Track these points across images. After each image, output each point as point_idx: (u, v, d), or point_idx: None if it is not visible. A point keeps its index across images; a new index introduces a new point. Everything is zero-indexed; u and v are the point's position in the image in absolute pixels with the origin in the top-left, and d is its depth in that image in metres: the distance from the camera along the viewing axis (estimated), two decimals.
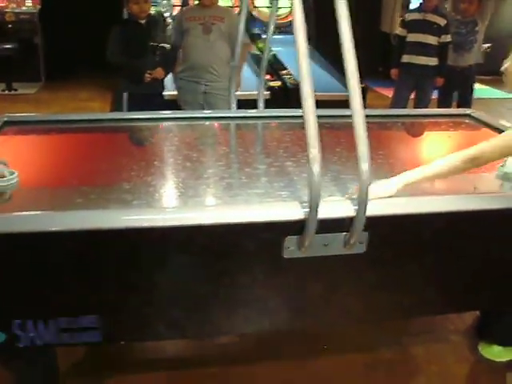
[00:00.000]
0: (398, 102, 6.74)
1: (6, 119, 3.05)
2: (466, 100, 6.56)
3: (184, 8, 5.72)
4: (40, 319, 2.10)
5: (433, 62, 6.38)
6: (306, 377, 2.86)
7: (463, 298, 2.58)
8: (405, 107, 6.60)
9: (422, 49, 6.37)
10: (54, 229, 1.94)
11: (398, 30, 6.73)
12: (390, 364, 2.99)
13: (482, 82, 7.96)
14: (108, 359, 2.91)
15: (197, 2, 5.26)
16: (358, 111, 1.99)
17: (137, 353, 3.01)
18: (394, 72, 6.73)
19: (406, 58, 6.51)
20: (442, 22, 6.34)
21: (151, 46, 4.79)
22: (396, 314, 2.63)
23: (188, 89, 5.19)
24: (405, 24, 6.61)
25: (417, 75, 6.47)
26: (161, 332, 2.29)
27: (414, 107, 6.50)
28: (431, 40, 6.35)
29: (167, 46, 4.85)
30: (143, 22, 4.80)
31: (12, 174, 2.29)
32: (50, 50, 9.65)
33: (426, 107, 6.45)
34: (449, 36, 6.39)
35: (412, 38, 6.47)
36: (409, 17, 6.59)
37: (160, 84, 5.04)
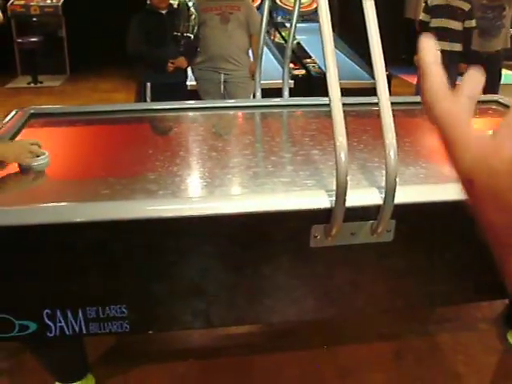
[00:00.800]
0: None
1: (32, 111, 3.07)
2: (493, 86, 6.48)
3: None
4: (69, 309, 2.12)
5: (457, 47, 6.30)
6: (334, 366, 2.86)
7: (492, 286, 2.54)
8: None
9: (446, 34, 6.29)
10: (80, 219, 1.96)
11: (422, 16, 6.65)
12: (418, 352, 2.97)
13: (510, 67, 7.84)
14: (135, 349, 2.93)
15: None
16: (383, 99, 1.97)
17: (162, 342, 3.03)
18: (417, 58, 6.66)
19: None
20: (466, 6, 6.26)
21: (174, 36, 4.79)
22: (424, 302, 2.62)
23: (207, 78, 5.19)
24: (428, 9, 6.53)
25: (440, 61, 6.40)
26: (188, 321, 2.30)
27: None
28: (455, 25, 6.27)
29: (191, 35, 4.84)
30: (164, 12, 4.79)
31: (43, 153, 2.38)
32: (74, 43, 9.70)
33: None
34: (473, 21, 6.31)
35: (435, 23, 6.39)
36: (432, 2, 6.51)
37: (183, 73, 5.04)
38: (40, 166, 2.36)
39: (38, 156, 2.36)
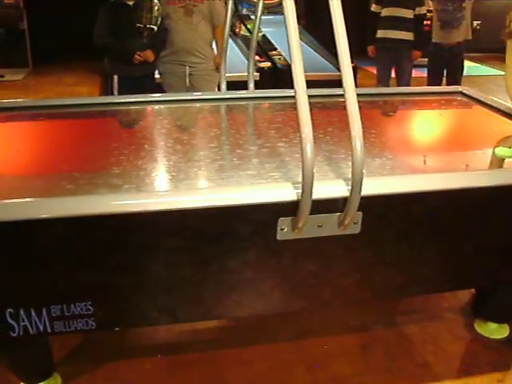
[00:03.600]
0: (381, 78, 6.75)
1: None
2: (455, 78, 6.55)
3: None
4: (32, 307, 2.08)
5: (408, 36, 6.35)
6: (301, 359, 2.86)
7: (458, 276, 2.57)
8: (387, 83, 6.60)
9: (397, 23, 6.35)
10: (43, 216, 1.92)
11: (373, 7, 6.71)
12: (386, 344, 2.98)
13: (472, 59, 7.92)
14: (101, 346, 2.90)
15: None
16: (349, 91, 1.96)
17: (129, 338, 3.00)
18: (370, 49, 6.72)
19: (380, 34, 6.49)
20: None
21: (137, 28, 4.75)
22: (391, 294, 2.63)
23: (173, 72, 5.15)
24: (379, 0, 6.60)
25: (392, 50, 6.44)
26: (155, 317, 2.27)
27: (397, 85, 6.49)
28: (406, 13, 6.33)
29: (154, 27, 4.80)
30: (131, 3, 4.75)
31: None
32: (36, 36, 9.55)
33: (408, 85, 6.43)
34: (424, 8, 6.39)
35: (386, 12, 6.44)
36: None
37: (151, 66, 5.00)
38: None
39: None
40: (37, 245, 1.98)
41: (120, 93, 4.90)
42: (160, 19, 4.83)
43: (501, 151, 2.54)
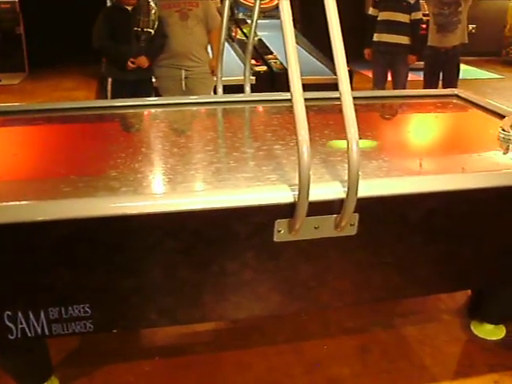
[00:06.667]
0: (377, 82, 6.80)
1: None
2: (451, 81, 6.57)
3: None
4: (30, 310, 2.08)
5: (403, 40, 6.40)
6: (299, 361, 2.86)
7: (455, 277, 2.58)
8: (383, 87, 6.64)
9: (392, 27, 6.41)
10: (41, 218, 1.92)
11: (370, 10, 6.80)
12: (383, 345, 2.99)
13: (467, 62, 7.94)
14: (99, 348, 2.90)
15: None
16: (346, 93, 1.97)
17: (127, 340, 3.00)
18: (366, 52, 6.79)
19: (376, 37, 6.56)
20: None
21: (135, 32, 4.76)
22: (388, 295, 2.63)
23: (168, 76, 5.15)
24: (376, 3, 6.66)
25: (387, 53, 6.50)
26: (153, 319, 2.28)
27: (393, 89, 6.52)
28: (402, 18, 6.39)
29: (151, 30, 4.80)
30: (130, 8, 4.76)
31: None
32: (32, 40, 9.56)
33: (404, 88, 6.46)
34: (420, 13, 6.47)
35: (383, 16, 6.51)
36: None
37: (146, 71, 5.00)
38: None
39: None
40: (35, 247, 1.99)
41: (113, 96, 4.92)
42: (157, 23, 4.83)
43: None
